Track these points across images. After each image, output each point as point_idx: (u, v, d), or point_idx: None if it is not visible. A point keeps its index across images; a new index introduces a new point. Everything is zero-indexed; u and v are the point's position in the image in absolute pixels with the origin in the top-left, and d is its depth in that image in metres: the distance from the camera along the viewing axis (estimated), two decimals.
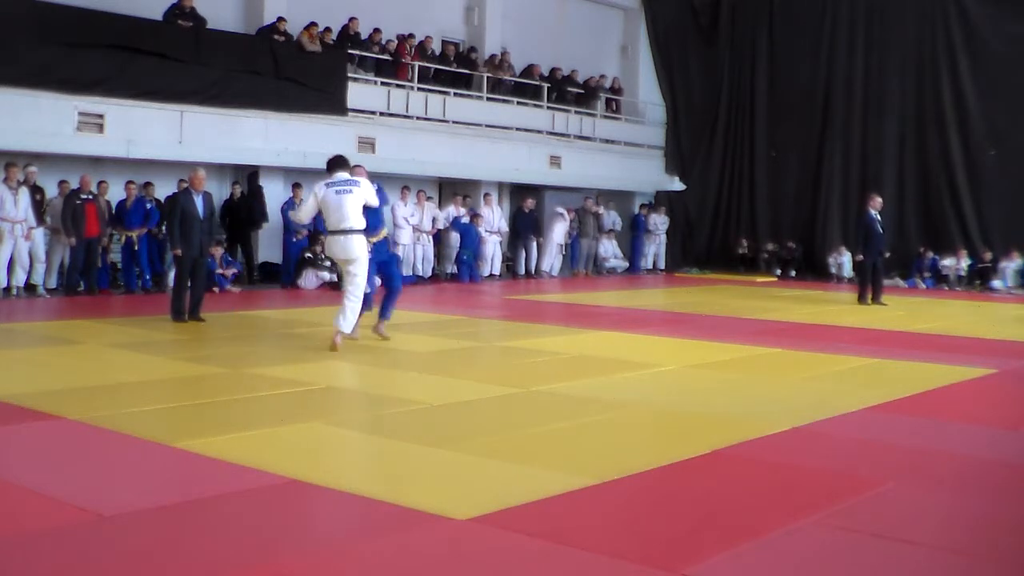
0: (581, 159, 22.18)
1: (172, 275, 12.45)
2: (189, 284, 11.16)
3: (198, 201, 11.16)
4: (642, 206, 23.79)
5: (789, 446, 5.88)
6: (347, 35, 18.26)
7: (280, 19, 17.07)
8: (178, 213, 11.13)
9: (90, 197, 14.11)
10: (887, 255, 16.78)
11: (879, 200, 16.39)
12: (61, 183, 14.33)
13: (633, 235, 23.47)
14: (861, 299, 15.90)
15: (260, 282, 16.82)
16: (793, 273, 22.51)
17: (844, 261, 21.65)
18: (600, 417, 6.59)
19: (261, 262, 17.28)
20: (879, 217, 16.11)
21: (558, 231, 20.93)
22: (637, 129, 24.32)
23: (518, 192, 21.50)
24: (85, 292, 14.08)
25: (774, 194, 23.93)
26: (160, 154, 15.30)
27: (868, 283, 15.98)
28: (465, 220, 19.20)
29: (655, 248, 23.84)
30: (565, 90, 22.55)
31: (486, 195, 20.29)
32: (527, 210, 20.42)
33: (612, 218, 22.90)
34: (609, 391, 7.49)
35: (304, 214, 9.58)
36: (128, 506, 4.35)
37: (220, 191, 17.07)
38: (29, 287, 13.81)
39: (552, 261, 21.13)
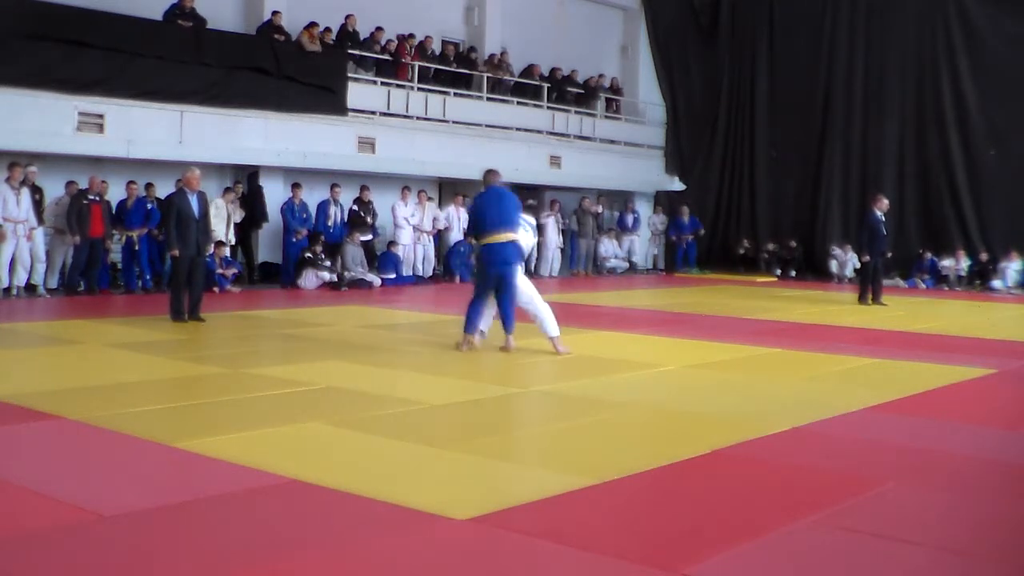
0: (581, 159, 22.19)
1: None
2: (187, 284, 11.16)
3: (193, 200, 11.15)
4: (682, 206, 23.65)
5: (789, 446, 5.88)
6: (347, 35, 18.27)
7: (275, 12, 17.06)
8: (174, 214, 11.11)
9: (97, 198, 14.11)
10: (888, 256, 16.77)
11: (885, 201, 16.36)
12: (69, 183, 14.34)
13: (681, 239, 23.41)
14: (862, 299, 15.89)
15: (260, 282, 16.82)
16: (793, 273, 22.50)
17: (850, 259, 21.62)
18: (600, 417, 6.59)
19: (261, 262, 17.28)
20: (883, 218, 16.10)
21: (551, 231, 20.93)
22: (637, 129, 24.32)
23: (518, 192, 21.47)
24: (85, 292, 14.08)
25: (774, 194, 23.93)
26: (160, 154, 15.30)
27: (869, 283, 15.97)
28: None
29: (655, 248, 23.84)
30: (565, 90, 22.55)
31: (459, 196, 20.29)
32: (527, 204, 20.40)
33: (612, 218, 22.92)
34: (609, 391, 7.48)
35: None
36: (128, 506, 4.35)
37: (220, 191, 17.06)
38: (29, 287, 13.81)
39: (551, 261, 21.12)
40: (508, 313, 9.17)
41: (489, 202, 9.21)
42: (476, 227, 9.29)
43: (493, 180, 9.45)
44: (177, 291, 11.15)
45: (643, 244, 23.87)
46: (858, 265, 21.66)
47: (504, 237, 9.01)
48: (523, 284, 9.37)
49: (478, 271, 9.17)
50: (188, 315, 11.06)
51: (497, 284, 9.11)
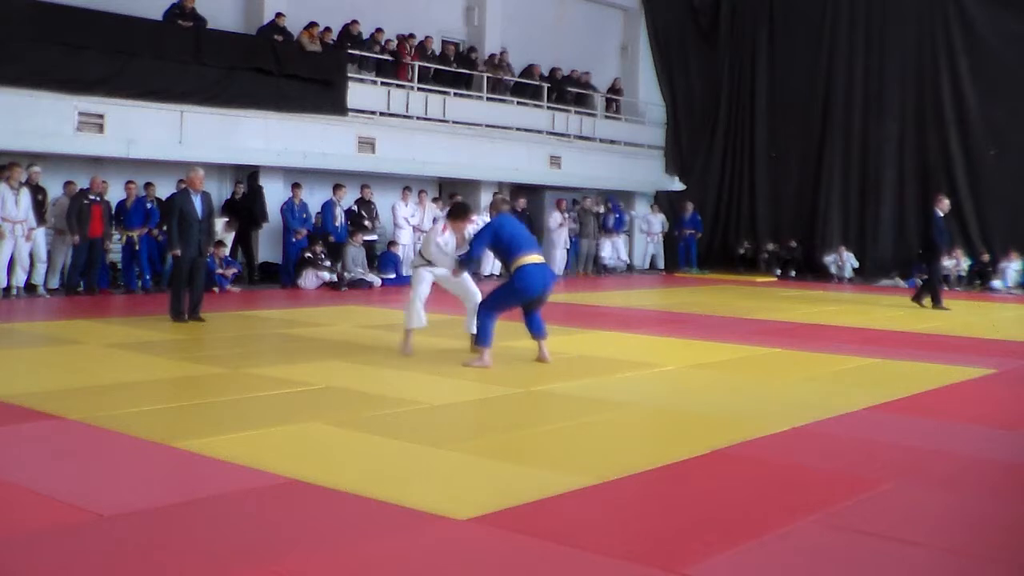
0: (581, 159, 22.19)
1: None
2: (188, 284, 11.15)
3: (196, 201, 11.12)
4: (687, 203, 23.56)
5: (789, 446, 5.88)
6: (347, 35, 18.27)
7: (279, 14, 17.08)
8: (176, 213, 11.09)
9: (97, 199, 14.12)
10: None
11: (946, 202, 15.77)
12: (67, 184, 14.36)
13: (683, 235, 23.32)
14: (936, 303, 15.18)
15: (260, 282, 16.82)
16: (793, 273, 22.50)
17: (848, 260, 21.66)
18: (600, 417, 6.59)
19: (261, 262, 17.28)
20: (943, 219, 15.56)
21: (559, 232, 20.88)
22: (637, 129, 24.32)
23: (518, 192, 21.50)
24: (85, 292, 14.08)
25: (774, 194, 23.93)
26: (160, 154, 15.31)
27: (937, 284, 15.43)
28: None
29: (654, 248, 23.80)
30: (565, 90, 22.54)
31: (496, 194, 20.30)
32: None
33: (626, 220, 22.96)
34: (609, 391, 7.48)
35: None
36: (128, 506, 4.35)
37: (220, 191, 17.10)
38: (29, 287, 13.82)
39: (557, 261, 21.08)
40: (539, 322, 8.90)
41: (515, 225, 9.02)
42: (509, 250, 8.81)
43: (505, 207, 9.36)
44: (177, 291, 11.14)
45: (638, 244, 23.84)
46: (856, 265, 21.80)
47: (541, 259, 8.89)
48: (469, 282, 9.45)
49: (515, 290, 8.75)
50: (188, 315, 11.06)
51: (536, 302, 8.86)
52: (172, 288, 11.42)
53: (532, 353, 9.10)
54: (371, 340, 10.16)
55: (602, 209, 22.23)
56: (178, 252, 11.04)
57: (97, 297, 13.95)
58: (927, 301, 15.32)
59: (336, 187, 17.32)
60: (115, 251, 15.11)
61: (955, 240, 21.17)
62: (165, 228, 14.67)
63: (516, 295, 8.81)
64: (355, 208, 17.63)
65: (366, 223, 17.53)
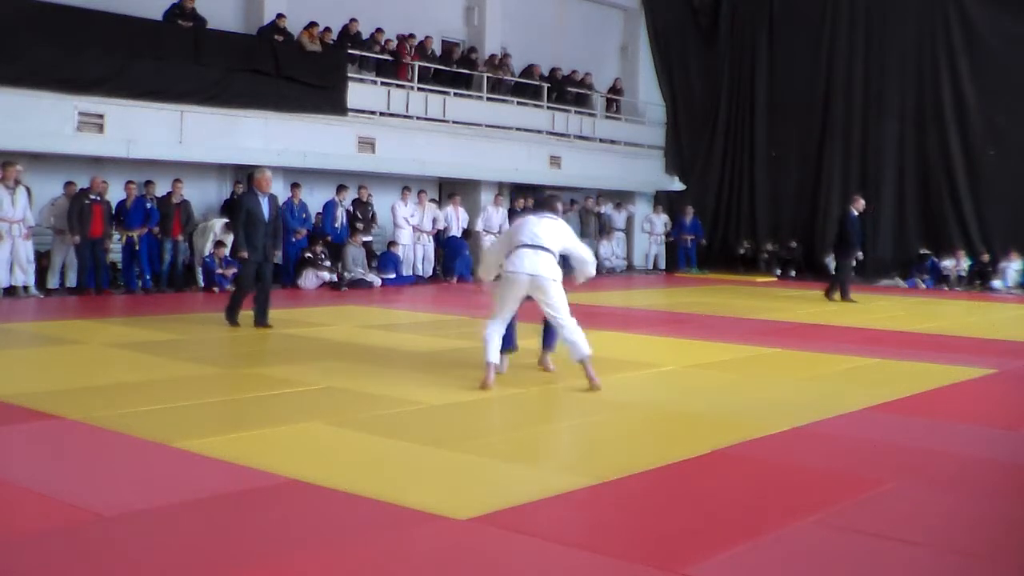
0: (581, 159, 22.19)
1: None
2: (253, 289, 10.78)
3: (264, 203, 10.65)
4: (687, 207, 23.45)
5: (789, 446, 5.88)
6: (347, 35, 18.28)
7: (280, 16, 17.09)
8: (243, 215, 10.60)
9: (98, 198, 14.11)
10: (860, 256, 17.15)
11: (862, 202, 16.64)
12: (68, 184, 14.35)
13: (682, 239, 23.20)
14: (844, 296, 16.08)
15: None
16: (793, 273, 22.50)
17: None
18: (600, 417, 6.59)
19: None
20: (859, 218, 16.35)
21: None
22: (637, 129, 24.31)
23: (519, 192, 21.52)
24: (85, 292, 14.06)
25: (774, 194, 23.91)
26: (160, 154, 15.31)
27: (840, 281, 16.30)
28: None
29: (656, 248, 23.77)
30: (565, 90, 22.53)
31: (497, 196, 20.30)
32: (519, 209, 20.34)
33: (623, 218, 22.89)
34: (609, 391, 7.48)
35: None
36: (128, 506, 4.35)
37: (220, 191, 17.12)
38: (27, 287, 13.81)
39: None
40: None
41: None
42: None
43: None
44: (240, 295, 10.82)
45: (639, 244, 23.79)
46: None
47: None
48: None
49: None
50: (256, 322, 10.67)
51: None
52: (236, 291, 11.09)
53: (533, 353, 9.09)
54: (371, 340, 10.16)
55: (602, 208, 22.21)
56: (245, 255, 10.58)
57: (97, 297, 13.95)
58: (836, 295, 16.07)
59: (339, 188, 17.31)
60: (115, 251, 15.11)
61: (955, 240, 21.28)
62: (232, 230, 14.59)
63: None
64: (351, 208, 17.63)
65: (359, 225, 17.50)
